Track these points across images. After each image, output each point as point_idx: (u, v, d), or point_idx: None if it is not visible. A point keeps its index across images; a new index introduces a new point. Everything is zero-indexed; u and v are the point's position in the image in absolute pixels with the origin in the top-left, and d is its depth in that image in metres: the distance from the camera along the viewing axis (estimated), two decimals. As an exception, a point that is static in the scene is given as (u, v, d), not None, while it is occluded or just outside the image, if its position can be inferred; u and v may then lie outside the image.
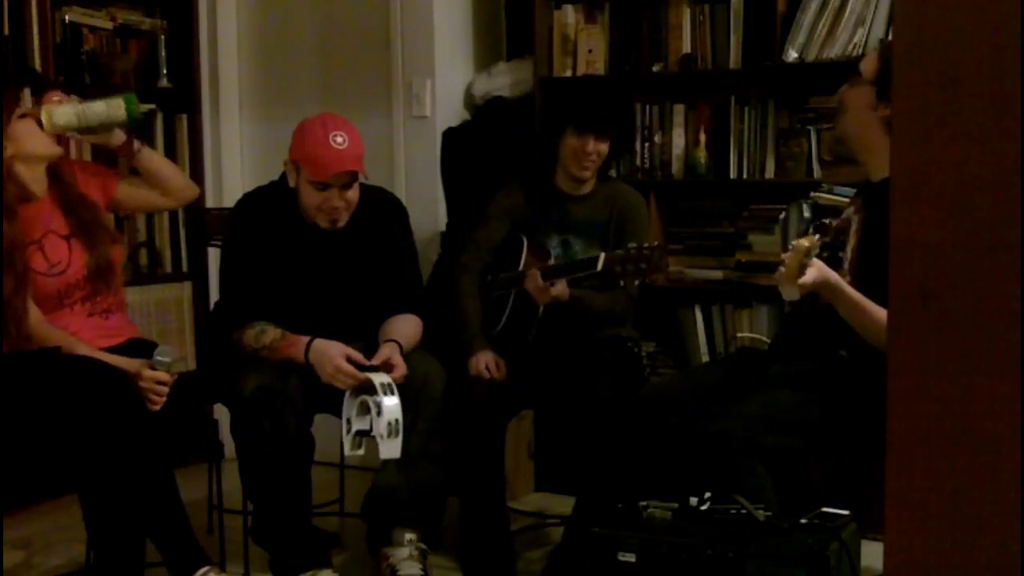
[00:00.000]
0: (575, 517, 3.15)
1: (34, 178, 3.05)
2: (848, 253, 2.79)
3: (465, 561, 3.15)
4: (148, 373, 2.88)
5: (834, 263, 2.79)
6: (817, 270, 2.60)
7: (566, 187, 3.38)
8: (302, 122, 3.13)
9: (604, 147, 3.28)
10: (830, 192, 3.55)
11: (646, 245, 2.99)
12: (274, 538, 3.07)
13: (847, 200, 3.22)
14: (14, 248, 2.89)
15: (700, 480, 2.76)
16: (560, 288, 3.12)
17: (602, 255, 3.04)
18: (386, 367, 2.96)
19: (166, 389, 2.90)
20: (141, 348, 3.10)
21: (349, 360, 2.97)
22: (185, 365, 3.51)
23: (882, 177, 2.76)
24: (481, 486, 3.15)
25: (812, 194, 3.60)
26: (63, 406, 2.72)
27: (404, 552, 3.05)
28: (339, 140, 3.01)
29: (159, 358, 2.91)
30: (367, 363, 2.96)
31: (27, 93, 3.12)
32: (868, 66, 2.77)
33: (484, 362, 3.20)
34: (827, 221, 2.72)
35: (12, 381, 2.80)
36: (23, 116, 3.01)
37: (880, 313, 2.59)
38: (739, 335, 3.29)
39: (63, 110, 2.99)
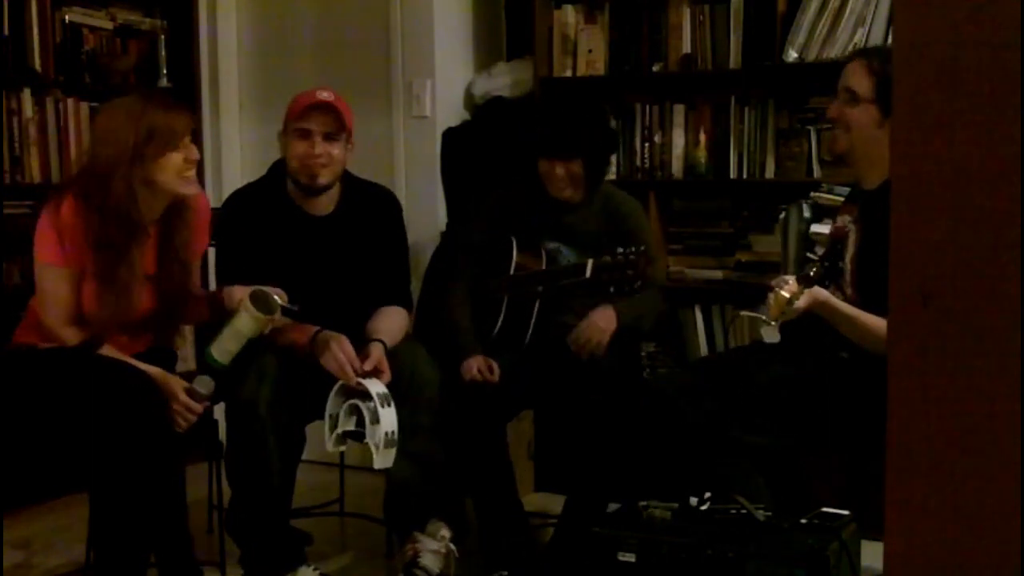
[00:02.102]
0: (566, 516, 3.15)
1: (150, 206, 2.93)
2: (848, 264, 2.79)
3: (488, 558, 3.15)
4: (184, 399, 2.85)
5: (834, 273, 2.79)
6: (808, 296, 2.63)
7: (558, 194, 3.37)
8: None
9: (575, 166, 3.23)
10: (830, 192, 3.55)
11: (632, 250, 2.99)
12: (252, 537, 3.08)
13: (842, 199, 3.22)
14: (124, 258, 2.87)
15: (700, 477, 2.77)
16: (611, 325, 3.13)
17: (590, 262, 3.03)
18: (375, 373, 2.97)
19: (195, 418, 2.88)
20: (162, 355, 3.10)
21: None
22: (185, 365, 3.50)
23: (877, 184, 2.75)
24: (491, 483, 3.17)
25: (812, 194, 3.60)
26: (86, 404, 2.71)
27: (434, 544, 3.06)
28: (324, 95, 3.12)
29: (198, 389, 2.89)
30: (363, 370, 2.97)
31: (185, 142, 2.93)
32: (861, 86, 2.75)
33: (476, 366, 3.19)
34: (811, 272, 2.71)
35: (35, 377, 2.81)
36: (173, 151, 2.87)
37: (876, 322, 2.61)
38: (741, 313, 3.25)
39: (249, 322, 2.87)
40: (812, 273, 2.70)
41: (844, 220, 2.88)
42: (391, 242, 3.28)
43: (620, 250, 3.01)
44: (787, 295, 2.58)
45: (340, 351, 2.96)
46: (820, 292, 2.67)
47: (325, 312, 3.11)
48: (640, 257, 2.98)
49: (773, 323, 2.59)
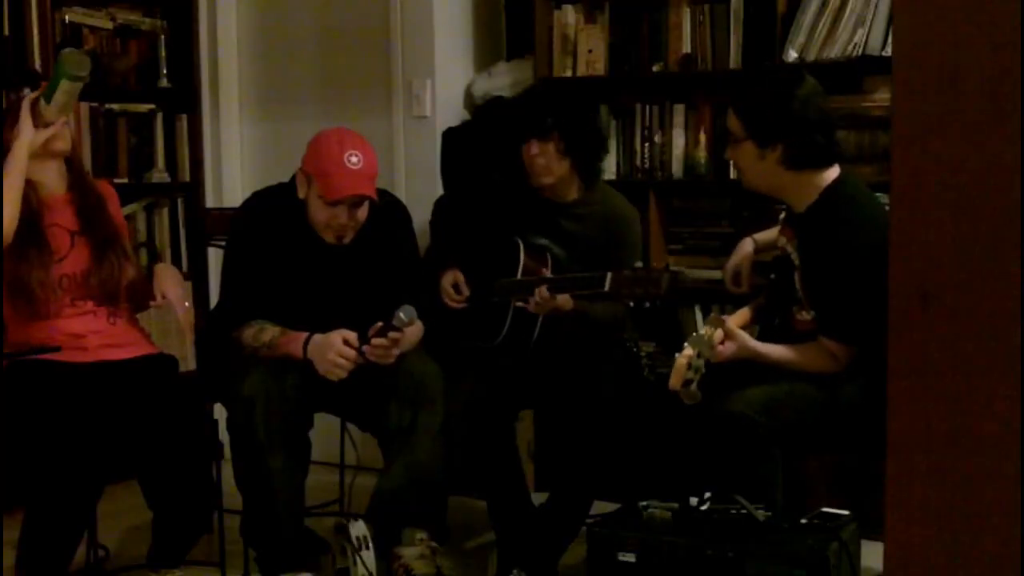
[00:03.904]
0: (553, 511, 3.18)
1: (46, 173, 3.07)
2: (798, 286, 2.81)
3: (503, 556, 3.17)
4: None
5: (789, 301, 2.82)
6: (737, 344, 2.71)
7: (552, 195, 3.36)
8: (319, 134, 3.10)
9: (550, 147, 3.23)
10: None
11: (655, 268, 2.97)
12: (262, 538, 3.09)
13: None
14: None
15: (711, 466, 2.76)
16: (563, 299, 3.11)
17: (609, 275, 2.99)
18: (387, 331, 2.98)
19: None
20: (159, 364, 3.14)
21: (347, 343, 2.98)
22: (185, 365, 3.50)
23: (805, 207, 2.79)
24: (504, 482, 3.18)
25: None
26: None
27: (416, 551, 3.06)
28: (354, 160, 3.00)
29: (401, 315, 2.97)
30: (372, 332, 2.99)
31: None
32: (735, 127, 2.80)
33: (448, 282, 3.30)
34: (708, 334, 2.74)
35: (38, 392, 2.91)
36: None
37: (808, 356, 2.73)
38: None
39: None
40: (709, 333, 2.72)
41: (783, 242, 2.90)
42: (405, 257, 3.25)
43: (640, 267, 3.00)
44: (684, 361, 2.63)
45: (337, 340, 2.96)
46: (750, 345, 2.73)
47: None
48: (663, 276, 2.93)
49: (679, 389, 2.62)
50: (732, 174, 3.86)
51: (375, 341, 2.98)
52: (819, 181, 2.76)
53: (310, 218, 3.09)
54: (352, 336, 2.98)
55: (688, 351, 2.65)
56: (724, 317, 2.79)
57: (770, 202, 3.77)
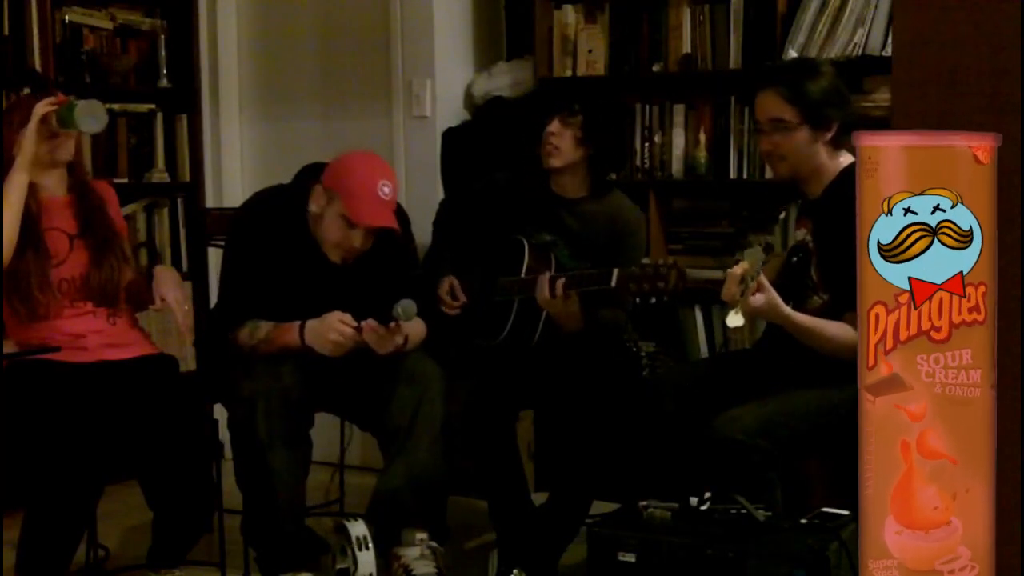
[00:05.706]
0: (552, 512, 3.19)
1: (47, 178, 3.09)
2: (813, 273, 2.81)
3: (503, 555, 3.17)
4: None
5: (803, 290, 2.81)
6: (766, 299, 2.63)
7: (559, 189, 3.36)
8: (349, 155, 3.11)
9: (569, 131, 3.24)
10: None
11: (662, 263, 2.95)
12: (262, 538, 3.09)
13: None
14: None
15: (706, 477, 2.76)
16: (572, 303, 3.11)
17: (615, 271, 2.99)
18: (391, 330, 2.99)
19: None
20: (159, 365, 3.14)
21: (344, 322, 2.99)
22: (185, 365, 3.51)
23: (820, 191, 2.84)
24: (504, 481, 3.18)
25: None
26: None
27: (416, 552, 3.06)
28: (386, 191, 3.00)
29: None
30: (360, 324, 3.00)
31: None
32: (787, 113, 2.81)
33: (446, 286, 3.30)
34: (761, 243, 2.76)
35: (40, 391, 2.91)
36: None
37: (832, 329, 2.69)
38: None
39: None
40: (763, 243, 2.73)
41: (801, 234, 2.91)
42: (405, 259, 3.24)
43: (648, 263, 3.00)
44: (739, 271, 2.59)
45: (336, 319, 2.97)
46: (778, 305, 2.68)
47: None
48: (671, 271, 2.92)
49: (733, 307, 2.56)
50: (732, 174, 3.88)
51: (372, 322, 2.98)
52: (837, 164, 2.83)
53: (319, 232, 3.08)
54: (348, 317, 3.00)
55: (744, 264, 2.60)
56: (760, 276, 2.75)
57: (771, 202, 3.79)
